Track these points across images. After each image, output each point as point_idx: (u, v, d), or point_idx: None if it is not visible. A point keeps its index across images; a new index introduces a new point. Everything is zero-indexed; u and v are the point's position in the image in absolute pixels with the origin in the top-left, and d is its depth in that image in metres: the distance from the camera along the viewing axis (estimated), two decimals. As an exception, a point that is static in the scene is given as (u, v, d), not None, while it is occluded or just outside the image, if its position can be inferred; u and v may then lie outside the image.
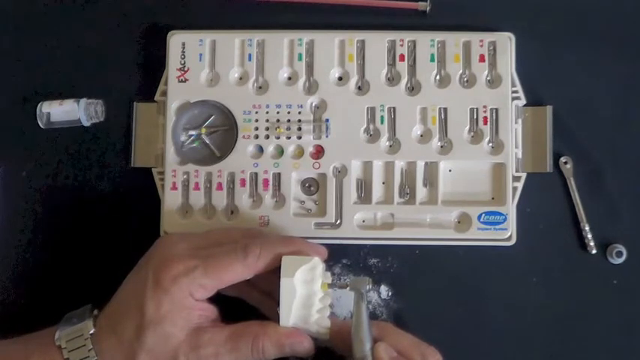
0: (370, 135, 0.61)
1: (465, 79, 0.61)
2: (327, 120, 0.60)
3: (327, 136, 0.60)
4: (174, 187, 0.60)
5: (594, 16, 0.63)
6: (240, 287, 0.55)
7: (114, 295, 0.54)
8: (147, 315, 0.51)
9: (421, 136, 0.61)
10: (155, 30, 0.63)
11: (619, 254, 0.60)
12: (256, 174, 0.60)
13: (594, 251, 0.60)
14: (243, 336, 0.52)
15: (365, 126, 0.61)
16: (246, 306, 0.57)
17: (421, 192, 0.60)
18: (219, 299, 0.54)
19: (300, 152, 0.61)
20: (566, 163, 0.61)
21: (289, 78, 0.62)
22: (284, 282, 0.52)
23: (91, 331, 0.52)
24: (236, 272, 0.52)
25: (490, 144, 0.60)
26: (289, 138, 0.61)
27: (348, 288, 0.53)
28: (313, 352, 0.53)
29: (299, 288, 0.52)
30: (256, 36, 0.62)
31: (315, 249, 0.54)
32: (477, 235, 0.59)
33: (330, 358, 0.55)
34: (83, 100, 0.62)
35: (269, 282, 0.54)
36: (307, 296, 0.52)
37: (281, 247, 0.53)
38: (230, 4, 0.64)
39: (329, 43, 0.61)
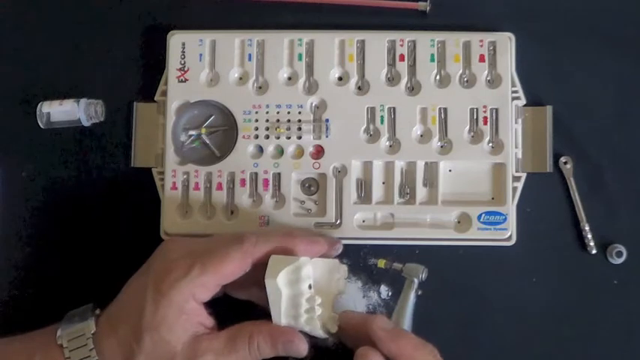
0: (370, 135, 0.61)
1: (465, 79, 0.61)
2: (327, 120, 0.60)
3: (327, 136, 0.60)
4: (174, 187, 0.60)
5: (594, 16, 0.63)
6: (249, 290, 0.55)
7: (116, 297, 0.54)
8: (145, 320, 0.51)
9: (421, 136, 0.61)
10: (155, 30, 0.63)
11: (619, 254, 0.60)
12: (256, 174, 0.60)
13: (594, 251, 0.60)
14: (239, 336, 0.52)
15: (365, 126, 0.60)
16: (249, 310, 0.57)
17: (421, 192, 0.60)
18: (220, 302, 0.54)
19: (300, 152, 0.61)
20: (566, 163, 0.61)
21: (289, 78, 0.62)
22: (268, 282, 0.52)
23: (93, 331, 0.52)
24: (234, 261, 0.52)
25: (490, 144, 0.60)
26: (289, 138, 0.61)
27: (402, 273, 0.54)
28: (310, 353, 0.53)
29: (284, 288, 0.52)
30: (256, 36, 0.62)
31: (314, 248, 0.54)
32: (477, 235, 0.59)
33: (330, 359, 0.55)
34: (83, 100, 0.62)
35: None
36: (294, 296, 0.52)
37: (277, 240, 0.53)
38: (230, 4, 0.64)
39: (329, 43, 0.61)
